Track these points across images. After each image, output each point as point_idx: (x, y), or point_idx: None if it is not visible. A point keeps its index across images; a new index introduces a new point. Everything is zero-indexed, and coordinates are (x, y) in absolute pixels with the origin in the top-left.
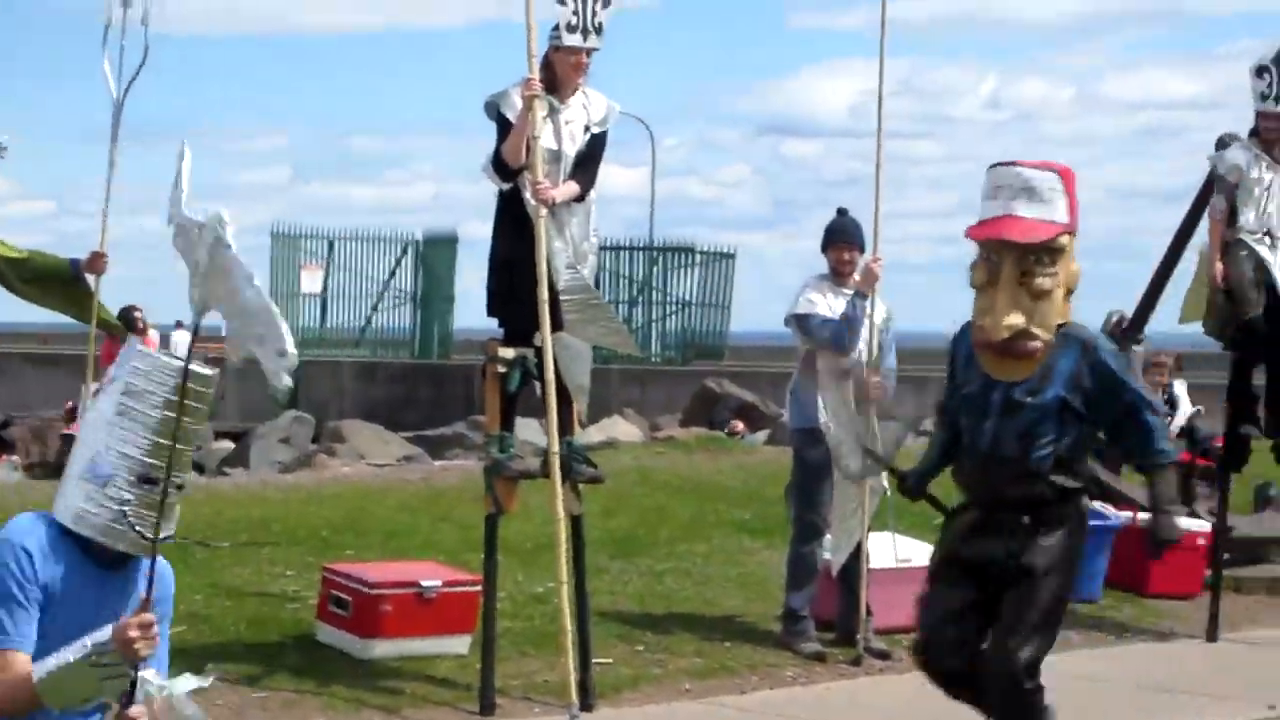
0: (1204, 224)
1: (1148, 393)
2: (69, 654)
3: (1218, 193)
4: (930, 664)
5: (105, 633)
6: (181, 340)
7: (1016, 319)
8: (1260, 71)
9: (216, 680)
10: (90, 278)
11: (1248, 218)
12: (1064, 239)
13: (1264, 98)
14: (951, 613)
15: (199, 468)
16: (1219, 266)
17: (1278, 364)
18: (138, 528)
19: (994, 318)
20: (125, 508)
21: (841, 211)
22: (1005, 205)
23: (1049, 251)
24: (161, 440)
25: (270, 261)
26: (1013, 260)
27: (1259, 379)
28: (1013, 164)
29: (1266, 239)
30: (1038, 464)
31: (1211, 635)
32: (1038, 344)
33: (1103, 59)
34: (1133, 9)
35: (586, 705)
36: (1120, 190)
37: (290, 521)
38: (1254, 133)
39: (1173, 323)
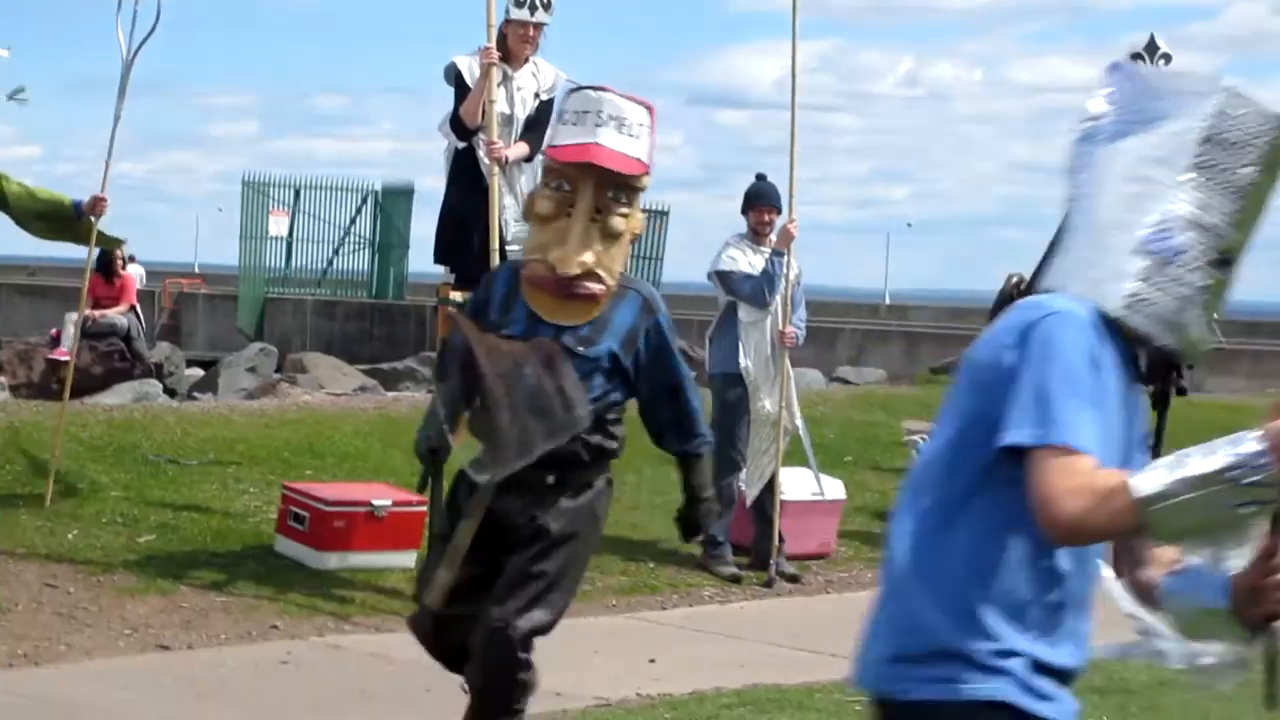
0: None
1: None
2: (1191, 460)
3: None
4: (435, 645)
5: (1247, 441)
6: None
7: (588, 256)
8: (1134, 59)
9: (182, 586)
10: (92, 220)
11: None
12: (646, 179)
13: None
14: (461, 582)
15: (171, 392)
16: None
17: None
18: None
19: (565, 251)
20: (1190, 291)
21: (760, 176)
22: (591, 131)
23: (629, 190)
24: (1245, 209)
25: (240, 207)
26: (590, 192)
27: None
28: (602, 89)
29: None
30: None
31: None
32: (601, 287)
33: (1010, 45)
34: (1033, 2)
35: None
36: (1022, 164)
37: (253, 443)
38: None
39: None
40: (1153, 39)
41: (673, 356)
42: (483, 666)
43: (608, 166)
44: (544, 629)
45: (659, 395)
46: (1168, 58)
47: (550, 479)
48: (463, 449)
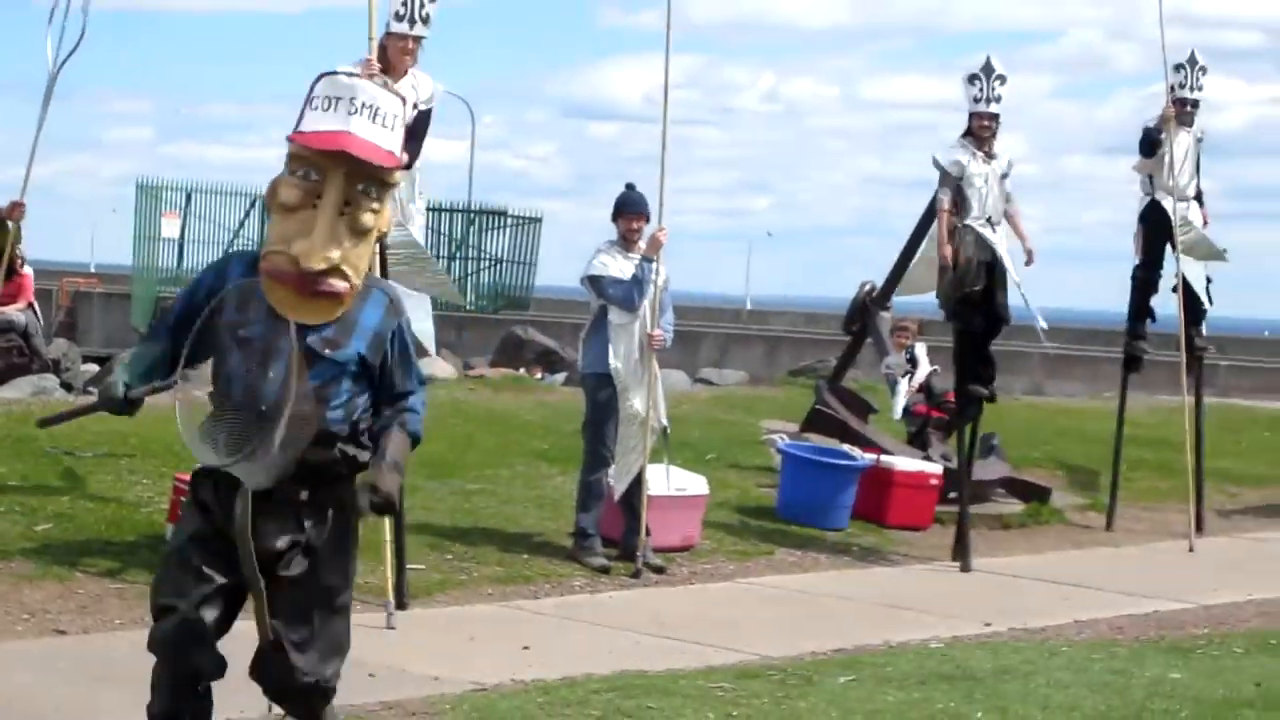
0: None
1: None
2: None
3: (942, 186)
4: (175, 660)
5: None
6: None
7: (334, 252)
8: (971, 79)
9: (78, 573)
10: (10, 225)
11: (973, 208)
12: (398, 174)
13: (976, 100)
14: (207, 597)
15: (67, 387)
16: (948, 249)
17: (992, 330)
18: None
19: (311, 244)
20: None
21: (630, 186)
22: (344, 119)
23: (380, 184)
24: None
25: (134, 209)
26: (339, 184)
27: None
28: (355, 75)
29: (988, 223)
30: (335, 427)
31: (965, 566)
32: (347, 286)
33: (864, 64)
34: (888, 23)
35: (401, 604)
36: (874, 178)
37: (146, 436)
38: (968, 132)
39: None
40: (989, 60)
41: (411, 363)
42: (294, 709)
43: (362, 157)
44: (337, 663)
45: (392, 398)
46: (1003, 79)
47: (304, 494)
48: (188, 417)
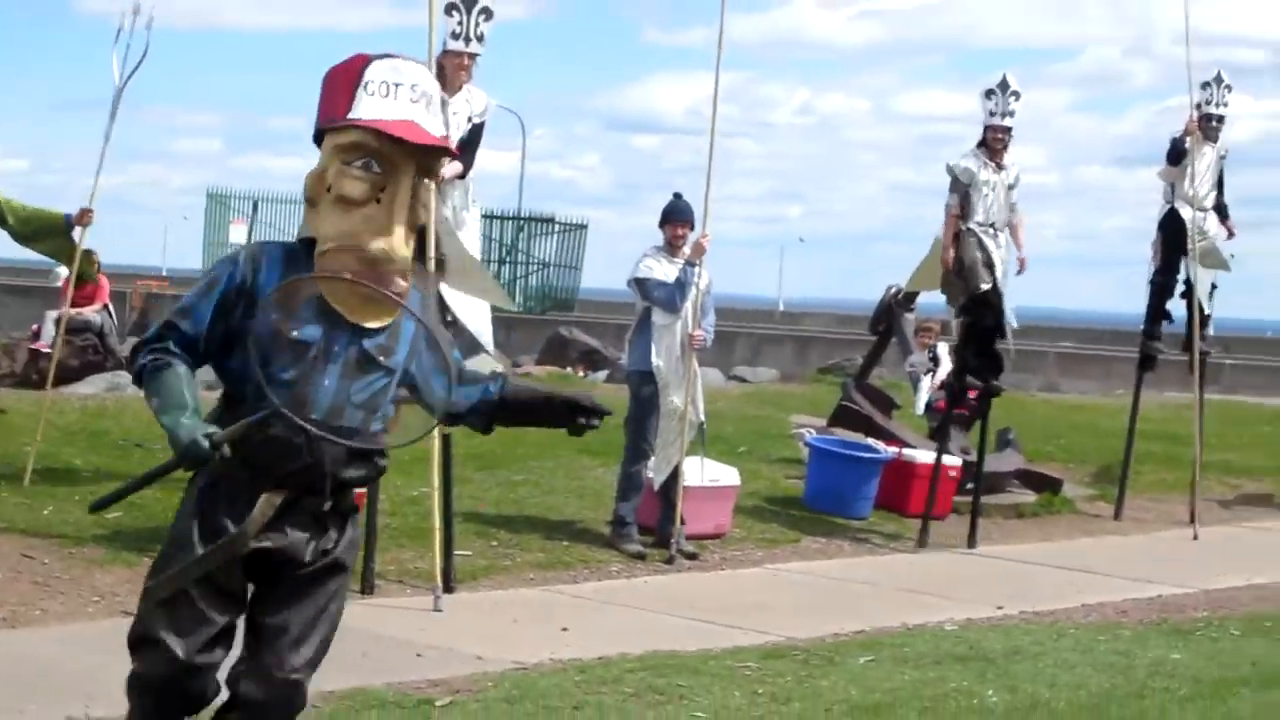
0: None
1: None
2: None
3: (952, 192)
4: (164, 701)
5: None
6: None
7: (406, 252)
8: (988, 94)
9: (145, 558)
10: (79, 229)
11: (978, 213)
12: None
13: (991, 114)
14: (218, 631)
15: None
16: (950, 253)
17: (997, 328)
18: None
19: (392, 242)
20: None
21: (677, 195)
22: (407, 108)
23: (430, 176)
24: None
25: (204, 216)
26: (410, 176)
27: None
28: (411, 60)
29: (991, 229)
30: (376, 440)
31: (971, 543)
32: (407, 285)
33: (894, 80)
34: (918, 40)
35: (449, 588)
36: (903, 186)
37: None
38: (982, 143)
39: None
40: (1005, 77)
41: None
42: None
43: (441, 147)
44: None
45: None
46: (1017, 95)
47: (327, 506)
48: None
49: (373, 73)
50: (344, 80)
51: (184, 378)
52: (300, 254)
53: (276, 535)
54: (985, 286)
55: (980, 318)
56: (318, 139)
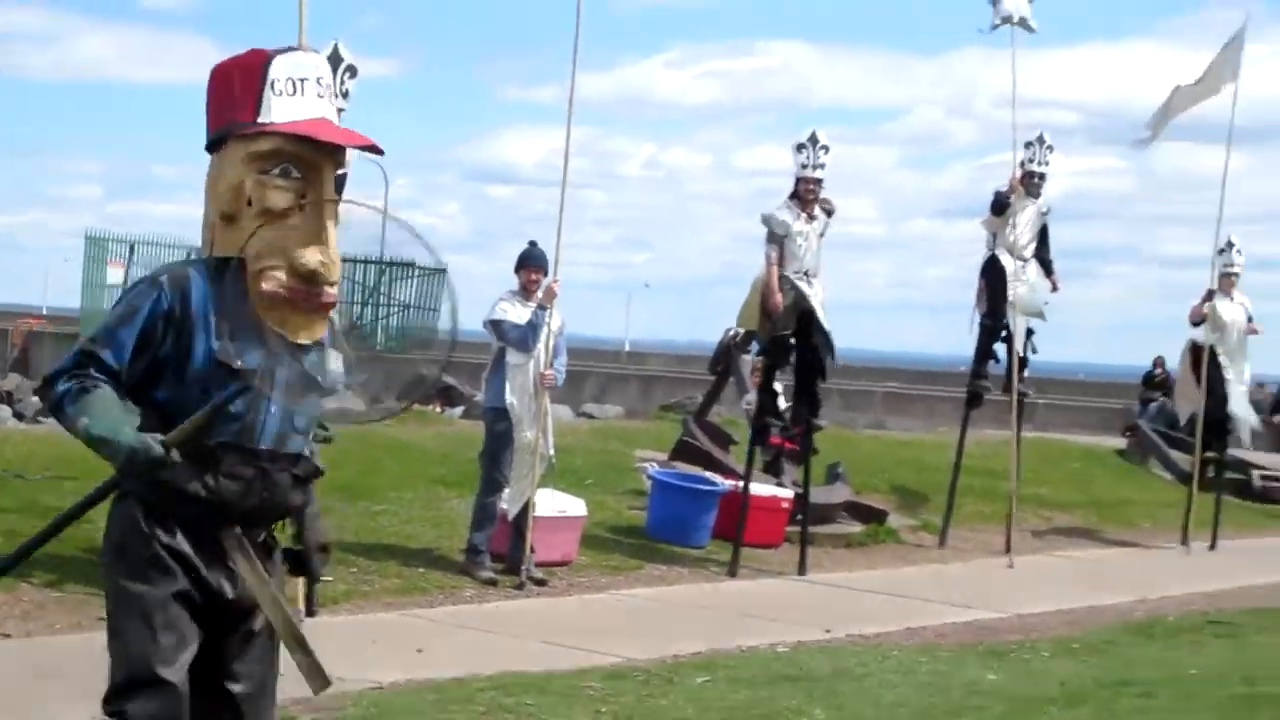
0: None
1: None
2: None
3: (770, 242)
4: None
5: None
6: None
7: (339, 259)
8: (799, 148)
9: (23, 583)
10: None
11: (792, 262)
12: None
13: (803, 167)
14: (186, 664)
15: (19, 416)
16: (778, 297)
17: (804, 369)
18: None
19: (328, 252)
20: None
21: (532, 243)
22: (316, 104)
23: (342, 179)
24: None
25: (84, 258)
26: (331, 179)
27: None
28: (308, 50)
29: (805, 275)
30: (313, 465)
31: (802, 571)
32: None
33: (733, 137)
34: (756, 100)
35: (311, 612)
36: (742, 235)
37: (88, 461)
38: (794, 194)
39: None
40: (814, 133)
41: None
42: None
43: (364, 144)
44: None
45: None
46: (826, 148)
47: (262, 537)
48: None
49: (277, 70)
50: (244, 79)
51: (115, 396)
52: (224, 273)
53: (229, 582)
54: (788, 331)
55: (777, 359)
56: (213, 145)
